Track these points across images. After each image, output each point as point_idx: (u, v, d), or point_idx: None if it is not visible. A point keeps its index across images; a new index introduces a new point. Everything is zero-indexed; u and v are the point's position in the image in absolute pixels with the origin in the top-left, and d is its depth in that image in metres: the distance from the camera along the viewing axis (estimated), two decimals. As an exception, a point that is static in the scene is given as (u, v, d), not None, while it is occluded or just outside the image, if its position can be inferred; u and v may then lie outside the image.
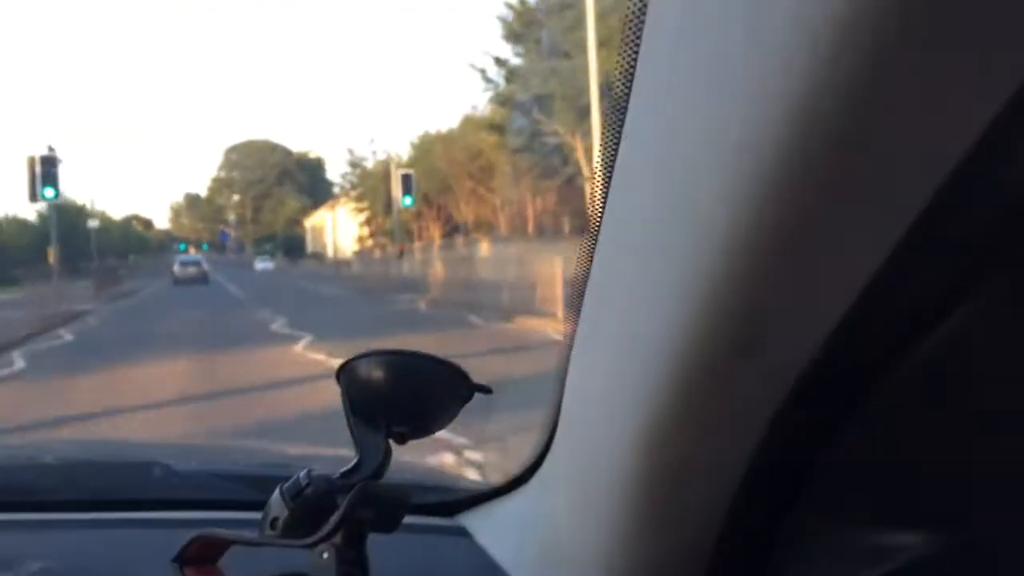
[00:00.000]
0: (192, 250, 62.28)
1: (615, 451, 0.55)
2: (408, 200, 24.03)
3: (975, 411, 0.46)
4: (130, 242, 55.05)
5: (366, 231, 44.53)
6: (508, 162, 25.50)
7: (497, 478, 0.89)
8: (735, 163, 0.41)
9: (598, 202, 0.57)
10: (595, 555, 0.61)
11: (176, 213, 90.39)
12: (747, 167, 0.40)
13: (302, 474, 0.62)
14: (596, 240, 0.58)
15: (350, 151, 49.42)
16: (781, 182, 0.39)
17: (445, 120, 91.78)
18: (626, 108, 0.51)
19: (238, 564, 0.69)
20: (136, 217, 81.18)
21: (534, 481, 0.79)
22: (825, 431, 0.51)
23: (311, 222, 63.98)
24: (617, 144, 0.53)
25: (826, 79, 0.36)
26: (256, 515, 0.67)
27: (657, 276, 0.49)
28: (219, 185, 78.28)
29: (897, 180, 0.38)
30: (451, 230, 30.84)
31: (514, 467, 0.83)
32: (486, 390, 0.61)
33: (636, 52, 0.49)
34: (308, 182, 73.69)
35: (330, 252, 59.08)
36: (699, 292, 0.45)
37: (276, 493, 0.62)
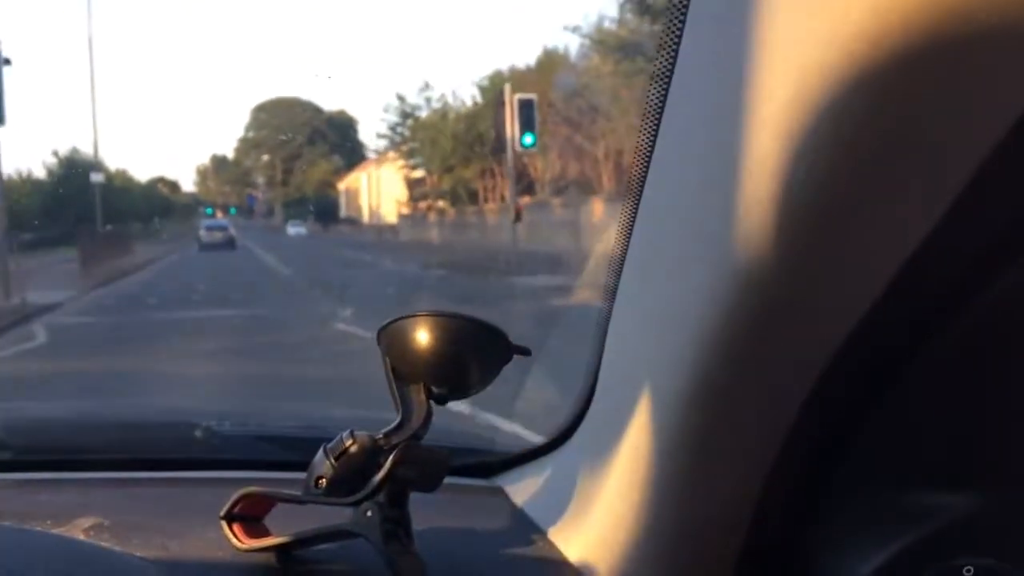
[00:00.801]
0: (219, 214, 58.96)
1: (652, 416, 0.56)
2: (529, 138, 16.16)
3: (1005, 379, 0.49)
4: (154, 205, 51.09)
5: (407, 195, 39.58)
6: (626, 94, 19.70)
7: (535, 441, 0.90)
8: (774, 147, 0.42)
9: (639, 170, 0.58)
10: (631, 517, 0.61)
11: (203, 176, 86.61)
12: (786, 152, 0.42)
13: (345, 434, 0.63)
14: (636, 208, 0.58)
15: (400, 98, 41.20)
16: (820, 169, 0.41)
17: (518, 57, 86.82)
18: (667, 90, 0.53)
19: (283, 521, 0.70)
20: (162, 179, 77.42)
21: (570, 444, 0.81)
22: (864, 400, 0.53)
23: (345, 184, 59.85)
24: (660, 116, 0.54)
25: (860, 77, 0.37)
26: (298, 475, 0.70)
27: (700, 248, 0.50)
28: (246, 146, 74.33)
29: (929, 170, 0.40)
30: (525, 187, 25.30)
31: (550, 431, 0.85)
32: (525, 351, 0.61)
33: (680, 31, 0.51)
34: (340, 142, 69.47)
35: (366, 216, 54.99)
36: (739, 267, 0.47)
37: (320, 452, 0.63)
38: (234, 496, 0.70)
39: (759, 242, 0.45)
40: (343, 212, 59.25)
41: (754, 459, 0.56)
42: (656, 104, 0.55)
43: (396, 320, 0.61)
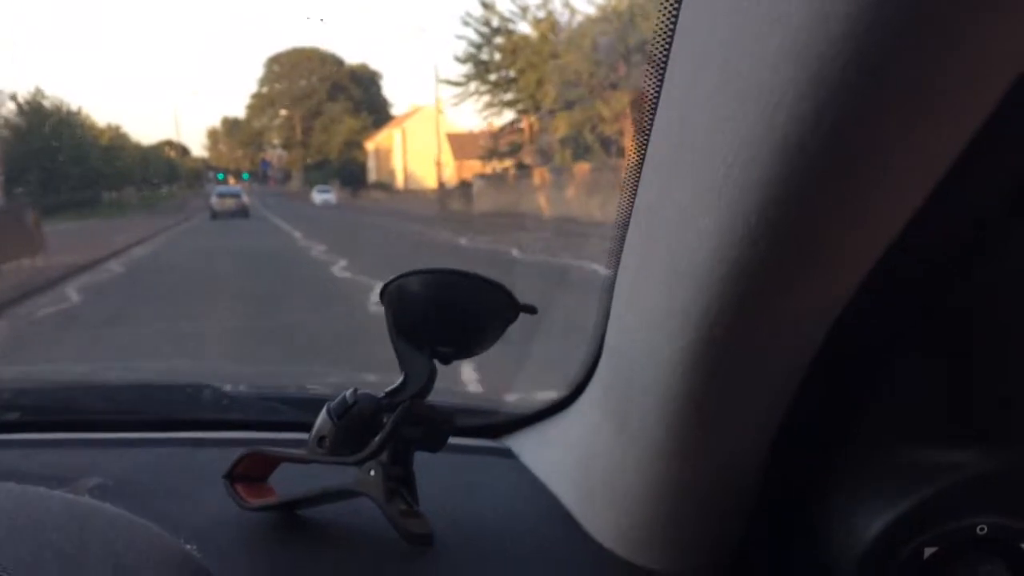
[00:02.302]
0: (231, 180, 53.85)
1: (659, 374, 0.56)
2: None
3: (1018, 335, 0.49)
4: (155, 169, 43.74)
5: (491, 146, 28.83)
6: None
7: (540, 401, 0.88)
8: (789, 81, 0.40)
9: (644, 126, 0.57)
10: (639, 476, 0.61)
11: (213, 140, 79.41)
12: (800, 86, 0.40)
13: (348, 393, 0.63)
14: (642, 161, 0.57)
15: (486, 4, 27.54)
16: (837, 106, 0.39)
17: None
18: (666, 63, 0.52)
19: (287, 481, 0.71)
20: (169, 143, 69.86)
21: (578, 404, 0.80)
22: (873, 357, 0.53)
23: (374, 144, 52.33)
24: (667, 58, 0.53)
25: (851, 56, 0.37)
26: (303, 435, 0.71)
27: (705, 198, 0.49)
28: (260, 103, 66.72)
29: (939, 119, 0.40)
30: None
31: (559, 388, 0.83)
32: (531, 310, 0.60)
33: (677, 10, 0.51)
34: (364, 99, 62.03)
35: (399, 181, 47.68)
36: (748, 216, 0.45)
37: (323, 412, 0.64)
38: (237, 456, 0.70)
39: (768, 189, 0.43)
40: (371, 176, 51.96)
41: (762, 418, 0.56)
42: (663, 46, 0.52)
43: (400, 277, 0.59)
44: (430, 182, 46.81)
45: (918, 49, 0.37)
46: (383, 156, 50.58)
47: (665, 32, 0.52)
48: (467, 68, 28.85)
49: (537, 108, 22.42)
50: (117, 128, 41.55)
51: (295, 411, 0.97)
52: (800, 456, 0.58)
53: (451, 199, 29.22)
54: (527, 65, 23.14)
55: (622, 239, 0.62)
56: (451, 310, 0.60)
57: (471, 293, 0.59)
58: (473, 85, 27.96)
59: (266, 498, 0.70)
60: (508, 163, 26.80)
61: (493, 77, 26.83)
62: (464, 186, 33.71)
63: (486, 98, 28.01)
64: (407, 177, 46.52)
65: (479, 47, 26.94)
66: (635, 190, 0.59)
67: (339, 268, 10.85)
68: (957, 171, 0.42)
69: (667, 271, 0.54)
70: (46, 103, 24.33)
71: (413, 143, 46.03)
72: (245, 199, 27.53)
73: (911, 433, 0.54)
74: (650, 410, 0.58)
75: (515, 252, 11.97)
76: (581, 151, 18.21)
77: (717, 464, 0.58)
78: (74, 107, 30.74)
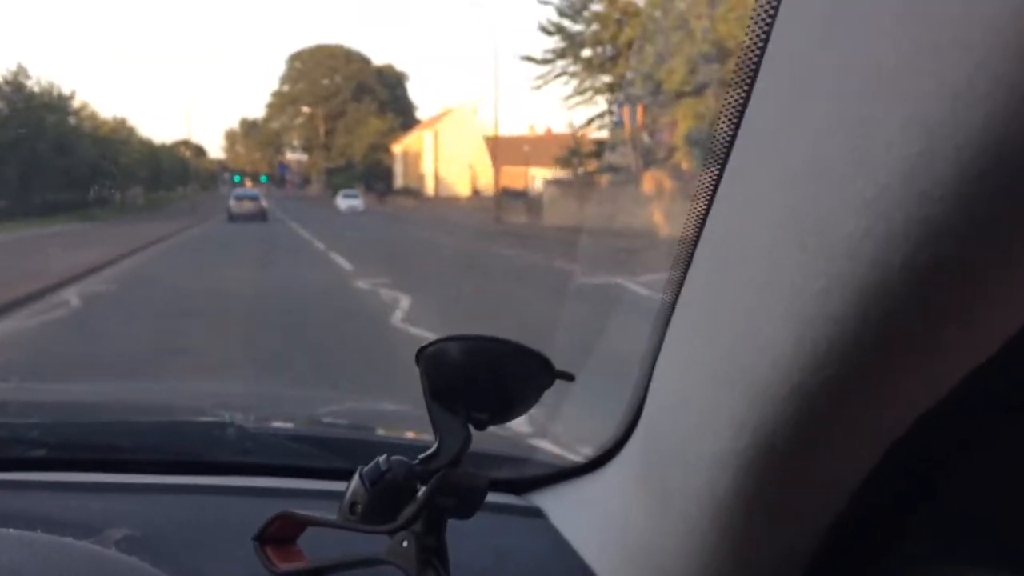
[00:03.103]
0: (248, 183, 50.47)
1: (710, 459, 0.53)
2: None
3: None
4: (168, 170, 40.09)
5: (581, 140, 23.36)
6: None
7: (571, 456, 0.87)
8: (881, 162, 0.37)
9: (725, 133, 0.51)
10: (682, 559, 0.60)
11: (231, 142, 76.15)
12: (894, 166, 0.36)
13: (382, 459, 0.63)
14: (716, 186, 0.53)
15: None
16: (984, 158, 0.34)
17: None
18: (753, 82, 0.48)
19: (316, 542, 0.71)
20: (186, 143, 66.20)
21: (613, 465, 0.77)
22: (946, 464, 0.50)
23: (402, 147, 48.66)
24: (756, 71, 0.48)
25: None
26: (327, 484, 0.74)
27: (784, 275, 0.45)
28: (281, 102, 63.19)
29: None
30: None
31: (590, 448, 0.81)
32: (568, 377, 0.61)
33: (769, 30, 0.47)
34: (390, 100, 58.55)
35: (430, 187, 44.01)
36: (812, 355, 0.42)
37: (356, 478, 0.64)
38: (268, 518, 0.70)
39: (883, 247, 0.38)
40: (397, 181, 48.31)
41: (812, 523, 0.53)
42: (751, 61, 0.48)
43: (436, 342, 0.60)
44: (462, 188, 43.07)
45: None
46: (411, 160, 46.91)
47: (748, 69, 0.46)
48: (553, 42, 22.47)
49: (655, 92, 16.04)
50: (123, 121, 37.78)
51: (318, 454, 0.99)
52: (854, 555, 0.55)
53: (510, 209, 25.27)
54: (641, 35, 18.18)
55: (667, 319, 0.60)
56: (488, 376, 0.59)
57: (508, 359, 0.59)
58: (560, 64, 22.04)
59: (295, 562, 0.70)
60: (593, 165, 22.04)
61: (587, 53, 20.94)
62: (513, 195, 29.84)
63: (575, 81, 22.02)
64: (438, 183, 42.85)
65: (572, 15, 20.71)
66: (687, 263, 0.56)
67: (404, 317, 6.95)
68: None
69: (719, 372, 0.51)
70: (32, 84, 20.70)
71: (445, 146, 42.38)
72: (263, 203, 26.30)
73: (963, 554, 0.51)
74: (694, 497, 0.56)
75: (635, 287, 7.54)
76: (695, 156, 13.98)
77: (771, 556, 0.55)
78: (67, 91, 26.80)
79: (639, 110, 16.59)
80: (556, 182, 23.07)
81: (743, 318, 0.48)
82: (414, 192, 42.85)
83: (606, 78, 21.14)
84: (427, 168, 44.25)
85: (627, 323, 3.59)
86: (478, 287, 9.57)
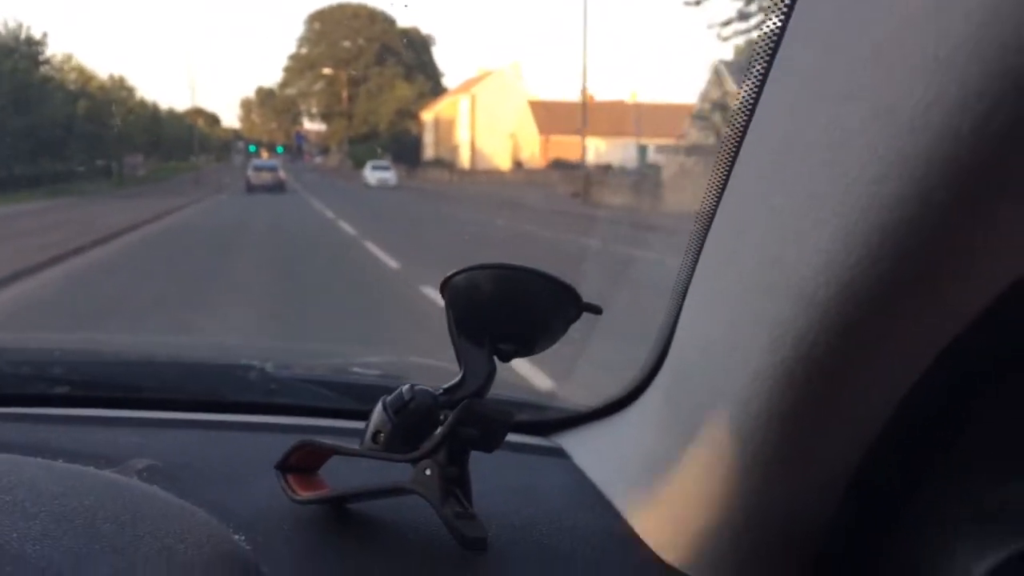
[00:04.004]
0: (264, 154, 47.13)
1: (741, 387, 0.52)
2: None
3: None
4: (170, 137, 35.60)
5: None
6: None
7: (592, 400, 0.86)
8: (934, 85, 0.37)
9: (745, 111, 0.53)
10: (707, 497, 0.59)
11: (246, 111, 71.75)
12: (949, 92, 0.37)
13: (405, 388, 0.62)
14: (739, 145, 0.53)
15: None
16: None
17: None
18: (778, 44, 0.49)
19: (338, 473, 0.70)
20: (200, 111, 61.43)
21: (636, 406, 0.77)
22: (983, 385, 0.49)
23: (433, 114, 43.94)
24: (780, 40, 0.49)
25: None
26: (351, 423, 0.71)
27: (814, 220, 0.45)
28: (299, 66, 58.54)
29: None
30: None
31: (615, 389, 0.81)
32: (596, 309, 0.59)
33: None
34: (416, 64, 53.91)
35: (465, 159, 39.45)
36: (864, 248, 0.42)
37: (379, 406, 0.63)
38: (290, 446, 0.69)
39: (898, 210, 0.40)
40: (427, 152, 43.78)
41: (852, 443, 0.51)
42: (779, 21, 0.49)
43: (462, 271, 0.59)
44: (501, 160, 38.48)
45: None
46: (444, 128, 42.25)
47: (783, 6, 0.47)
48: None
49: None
50: (121, 80, 33.20)
51: (344, 398, 0.97)
52: (890, 487, 0.53)
53: (569, 183, 20.88)
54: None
55: (702, 238, 0.59)
56: (515, 306, 0.58)
57: (534, 290, 0.58)
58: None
59: (317, 491, 0.69)
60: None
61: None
62: (565, 167, 25.48)
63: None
64: (475, 154, 38.32)
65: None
66: (723, 185, 0.56)
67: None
68: None
69: (758, 281, 0.50)
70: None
71: (483, 113, 37.77)
72: (281, 173, 25.03)
73: (1012, 471, 0.49)
74: (725, 423, 0.55)
75: None
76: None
77: (799, 493, 0.55)
78: (37, 34, 21.77)
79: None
80: (680, 150, 17.98)
81: (789, 219, 0.47)
82: (447, 164, 38.32)
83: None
84: (462, 137, 39.71)
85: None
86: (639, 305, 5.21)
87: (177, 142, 37.78)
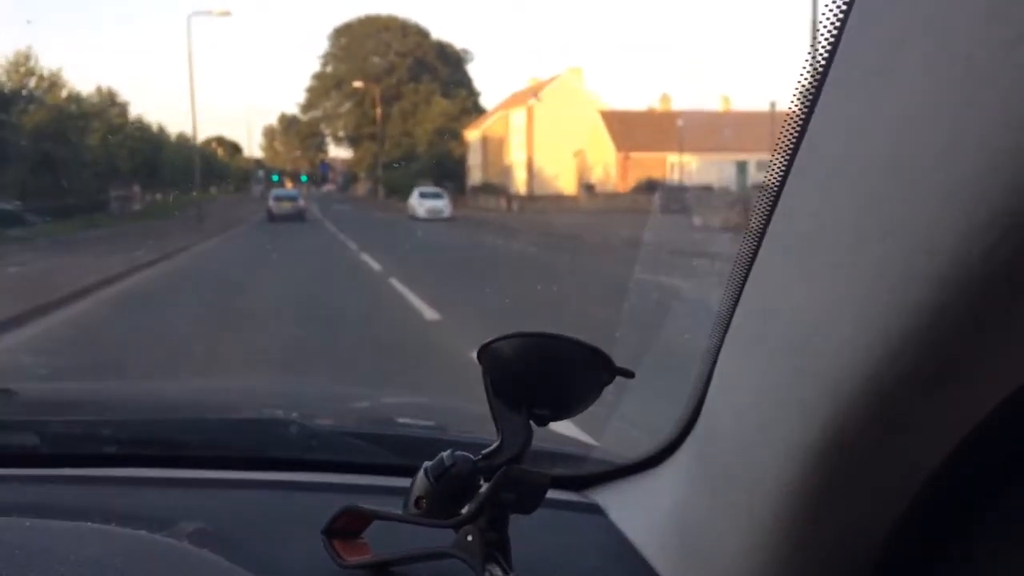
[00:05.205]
0: (288, 184, 44.65)
1: (777, 453, 0.53)
2: None
3: None
4: (176, 166, 29.95)
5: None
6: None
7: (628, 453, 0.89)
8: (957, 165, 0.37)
9: (794, 128, 0.51)
10: (738, 554, 0.60)
11: (269, 139, 66.61)
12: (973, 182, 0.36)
13: (446, 455, 0.64)
14: (781, 186, 0.53)
15: None
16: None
17: None
18: (821, 86, 0.48)
19: (381, 536, 0.72)
20: (220, 139, 55.90)
21: (673, 461, 0.77)
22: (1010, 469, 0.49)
23: (479, 132, 38.18)
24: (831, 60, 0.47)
25: None
26: (392, 480, 0.77)
27: (839, 315, 0.45)
28: (324, 85, 53.37)
29: None
30: None
31: (650, 444, 0.82)
32: (628, 374, 0.61)
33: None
34: (452, 80, 48.50)
35: (520, 183, 33.65)
36: (885, 345, 0.42)
37: (421, 473, 0.65)
38: (336, 511, 0.72)
39: (916, 307, 0.39)
40: (473, 176, 38.08)
41: (892, 506, 0.52)
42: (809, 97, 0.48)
43: (499, 339, 0.61)
44: (565, 183, 32.70)
45: None
46: (493, 148, 36.45)
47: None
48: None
49: None
50: (111, 94, 27.24)
51: (383, 451, 1.00)
52: (919, 553, 0.54)
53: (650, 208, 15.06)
54: None
55: (731, 310, 0.60)
56: (549, 373, 0.60)
57: (569, 356, 0.60)
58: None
59: (362, 556, 0.72)
60: None
61: None
62: (650, 190, 19.82)
63: None
64: (532, 176, 32.54)
65: None
66: (753, 257, 0.56)
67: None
68: None
69: (786, 365, 0.51)
70: None
71: (543, 128, 32.01)
72: (301, 202, 24.61)
73: None
74: (758, 493, 0.56)
75: None
76: None
77: (824, 554, 0.55)
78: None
79: None
80: None
81: (815, 309, 0.47)
82: (498, 189, 32.54)
83: None
84: (516, 157, 33.99)
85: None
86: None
87: (185, 171, 32.27)
